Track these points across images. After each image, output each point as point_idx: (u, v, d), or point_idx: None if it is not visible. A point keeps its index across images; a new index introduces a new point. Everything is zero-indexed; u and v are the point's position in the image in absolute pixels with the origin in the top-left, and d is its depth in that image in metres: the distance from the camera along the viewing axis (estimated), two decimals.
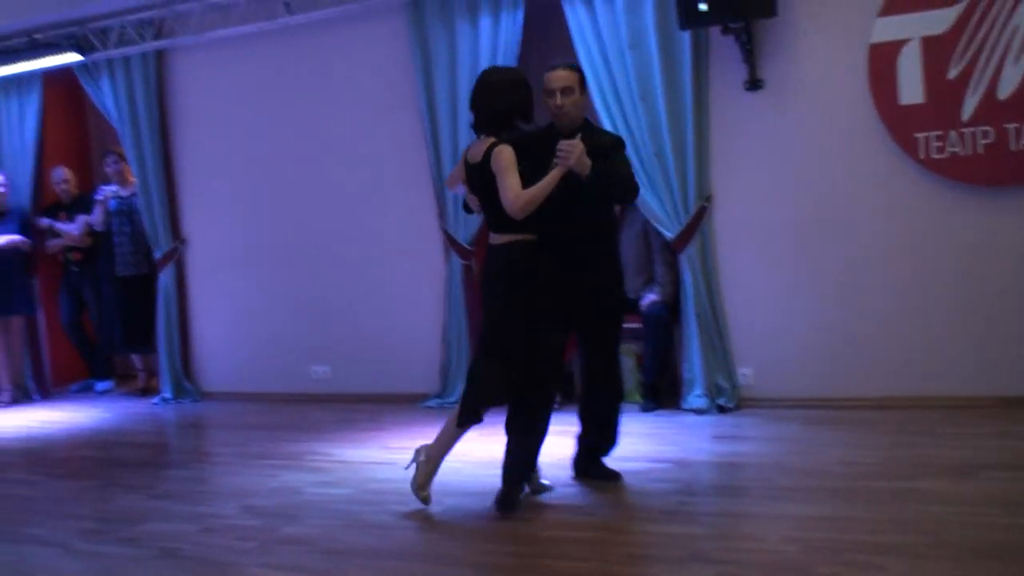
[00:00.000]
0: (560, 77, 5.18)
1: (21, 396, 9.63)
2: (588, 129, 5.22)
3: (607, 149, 5.13)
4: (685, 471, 5.66)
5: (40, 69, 9.23)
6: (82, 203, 9.54)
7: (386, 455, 6.43)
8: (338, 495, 5.62)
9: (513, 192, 4.87)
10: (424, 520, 5.09)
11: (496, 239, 5.16)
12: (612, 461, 5.67)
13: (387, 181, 8.17)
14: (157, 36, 8.78)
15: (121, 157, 9.22)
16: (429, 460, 5.37)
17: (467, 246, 7.72)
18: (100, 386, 9.87)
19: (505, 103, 5.06)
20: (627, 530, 4.75)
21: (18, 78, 9.45)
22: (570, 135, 5.05)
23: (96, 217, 9.30)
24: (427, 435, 6.77)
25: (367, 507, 5.34)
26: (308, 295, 8.57)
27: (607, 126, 7.04)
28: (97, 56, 8.94)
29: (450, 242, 7.80)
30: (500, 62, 7.34)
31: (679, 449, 6.10)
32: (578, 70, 5.30)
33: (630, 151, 6.99)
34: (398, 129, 8.04)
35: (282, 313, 8.73)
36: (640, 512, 5.00)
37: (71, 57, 8.90)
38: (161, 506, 5.70)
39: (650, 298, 7.23)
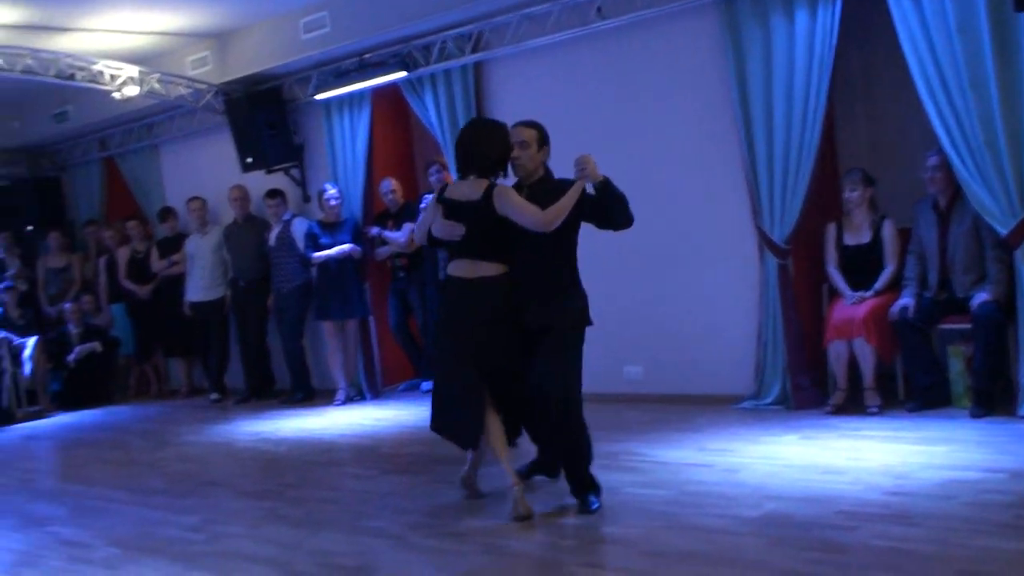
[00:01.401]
0: (518, 132, 5.71)
1: (354, 395, 10.25)
2: (547, 177, 5.79)
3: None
4: (1022, 483, 5.29)
5: (369, 87, 9.81)
6: (408, 212, 10.04)
7: (703, 457, 6.40)
8: (657, 496, 5.63)
9: (535, 213, 5.48)
10: (745, 524, 5.01)
11: (482, 270, 5.65)
12: (946, 470, 5.44)
13: (700, 180, 8.13)
14: (475, 49, 9.13)
15: (443, 167, 9.62)
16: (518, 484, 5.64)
17: (782, 245, 7.56)
18: (425, 385, 10.30)
19: (498, 152, 5.67)
20: (956, 543, 4.49)
21: (350, 97, 10.08)
22: (530, 185, 5.67)
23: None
24: (742, 437, 6.76)
25: (686, 509, 5.33)
26: (621, 295, 8.63)
27: (932, 117, 6.75)
28: (421, 72, 9.41)
29: (765, 240, 7.66)
30: (817, 56, 7.19)
31: (1015, 459, 5.70)
32: (538, 128, 5.75)
33: (958, 141, 6.67)
34: (710, 127, 7.99)
35: (595, 313, 8.79)
36: (972, 525, 4.70)
37: (397, 74, 9.42)
38: (484, 503, 5.92)
39: (981, 297, 6.82)
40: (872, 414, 7.07)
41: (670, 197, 8.26)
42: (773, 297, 7.66)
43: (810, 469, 5.84)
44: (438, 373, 5.92)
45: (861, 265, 7.46)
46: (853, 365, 7.32)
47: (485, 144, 5.71)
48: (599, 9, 8.24)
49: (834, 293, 7.60)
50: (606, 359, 8.70)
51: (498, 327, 5.68)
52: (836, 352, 7.33)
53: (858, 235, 7.53)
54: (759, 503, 5.29)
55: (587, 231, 8.64)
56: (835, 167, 7.92)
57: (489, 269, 5.66)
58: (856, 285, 7.43)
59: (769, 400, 7.66)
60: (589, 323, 5.97)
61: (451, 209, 5.72)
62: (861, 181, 7.44)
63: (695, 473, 6.04)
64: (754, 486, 5.61)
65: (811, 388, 7.62)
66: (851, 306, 7.32)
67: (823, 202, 7.63)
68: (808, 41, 7.26)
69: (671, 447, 6.75)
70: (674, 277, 8.32)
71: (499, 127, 5.80)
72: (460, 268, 5.73)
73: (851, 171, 7.54)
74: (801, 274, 7.72)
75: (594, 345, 8.71)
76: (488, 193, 5.60)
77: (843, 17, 7.15)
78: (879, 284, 7.38)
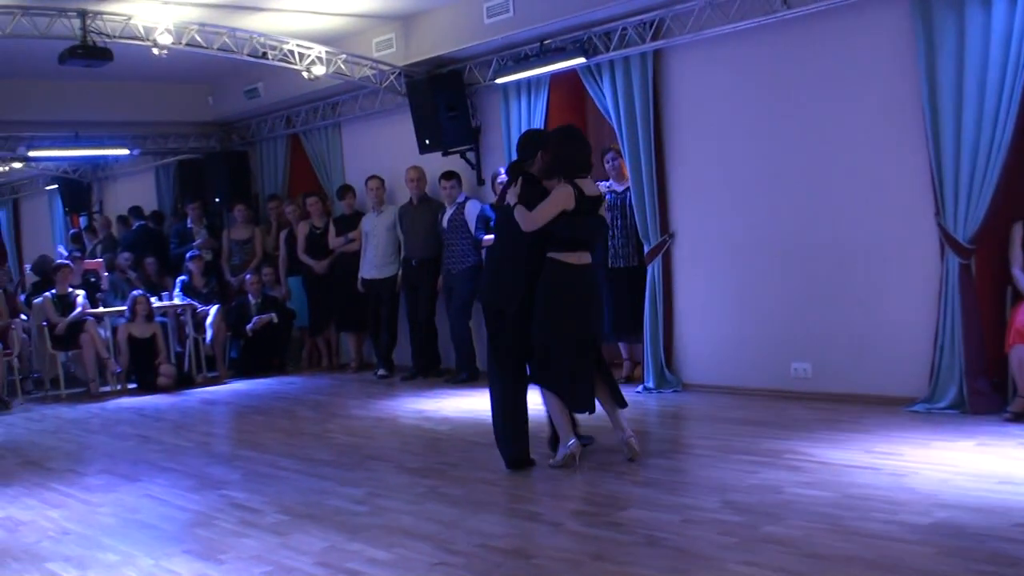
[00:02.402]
0: None
1: None
2: None
3: None
4: None
5: (548, 72, 9.85)
6: None
7: (870, 459, 6.22)
8: (819, 497, 5.50)
9: None
10: (913, 531, 4.85)
11: (588, 257, 6.59)
12: None
13: (881, 176, 7.89)
14: (655, 36, 9.06)
15: (618, 153, 9.60)
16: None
17: (966, 244, 7.28)
18: None
19: None
20: None
21: (528, 81, 10.16)
22: None
23: None
24: (913, 440, 6.55)
25: (850, 512, 5.18)
26: (792, 290, 8.48)
27: None
28: (600, 58, 9.41)
29: (947, 239, 7.39)
30: (1014, 50, 6.87)
31: None
32: None
33: None
34: (894, 121, 7.75)
35: (765, 308, 8.71)
36: None
37: (577, 60, 9.44)
38: (645, 494, 5.89)
39: None
40: None
41: (849, 191, 8.06)
42: (953, 297, 7.38)
43: (985, 478, 5.62)
44: (566, 350, 6.47)
45: None
46: None
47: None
48: None
49: (1018, 295, 7.29)
50: (773, 354, 8.60)
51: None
52: (1018, 357, 7.03)
53: None
54: (928, 511, 5.11)
55: (772, 218, 8.55)
56: None
57: (590, 256, 6.66)
58: None
59: (943, 404, 7.40)
60: None
61: (593, 204, 6.52)
62: None
63: (861, 476, 5.87)
64: (924, 493, 5.43)
65: (990, 393, 7.33)
66: None
67: (1012, 201, 7.30)
68: (1005, 34, 6.95)
69: (837, 447, 6.58)
70: (848, 273, 8.11)
71: None
72: (583, 257, 6.55)
73: None
74: (984, 274, 7.42)
75: (761, 339, 8.66)
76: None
77: None
78: None
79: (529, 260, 6.48)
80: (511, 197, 6.55)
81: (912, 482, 5.66)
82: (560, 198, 6.36)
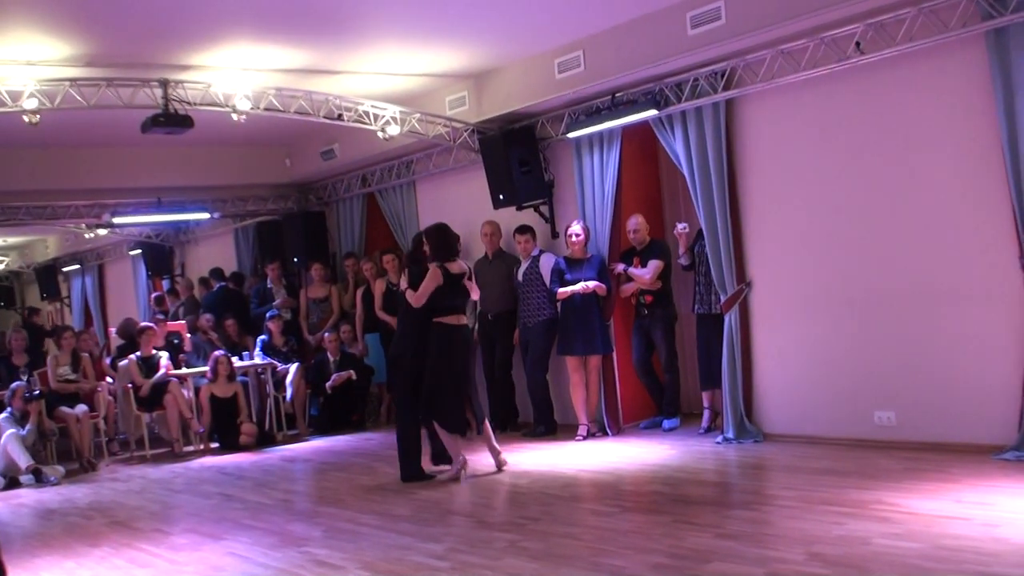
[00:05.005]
0: None
1: (596, 430, 10.27)
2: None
3: None
4: None
5: (620, 125, 9.89)
6: (654, 249, 10.06)
7: (960, 509, 6.07)
8: (909, 549, 5.37)
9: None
10: None
11: (458, 319, 8.58)
12: None
13: (960, 219, 7.77)
14: (727, 87, 9.05)
15: None
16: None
17: None
18: (667, 424, 10.25)
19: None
20: None
21: (600, 134, 10.19)
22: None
23: (680, 253, 9.83)
24: (1004, 489, 6.38)
25: (942, 564, 5.06)
26: (874, 338, 8.35)
27: None
28: (672, 110, 9.42)
29: None
30: None
31: None
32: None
33: None
34: (972, 164, 7.63)
35: (846, 356, 8.58)
36: None
37: (648, 112, 9.46)
38: (728, 546, 5.80)
39: None
40: None
41: (928, 235, 7.95)
42: None
43: None
44: (448, 388, 8.51)
45: None
46: None
47: (453, 241, 8.70)
48: (858, 44, 8.02)
49: None
50: (855, 403, 8.46)
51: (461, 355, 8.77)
52: None
53: None
54: (1023, 563, 4.97)
55: (851, 265, 8.46)
56: None
57: (457, 319, 8.61)
58: None
59: None
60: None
61: (458, 278, 8.53)
62: None
63: (951, 527, 5.73)
64: (1018, 543, 5.28)
65: None
66: None
67: None
68: None
69: (925, 498, 6.44)
70: (930, 319, 7.97)
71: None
72: (460, 319, 8.60)
73: None
74: None
75: (842, 388, 8.53)
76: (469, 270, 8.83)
77: None
78: None
79: (421, 324, 8.48)
80: (402, 285, 8.70)
81: (1005, 532, 5.52)
82: (431, 279, 8.40)
